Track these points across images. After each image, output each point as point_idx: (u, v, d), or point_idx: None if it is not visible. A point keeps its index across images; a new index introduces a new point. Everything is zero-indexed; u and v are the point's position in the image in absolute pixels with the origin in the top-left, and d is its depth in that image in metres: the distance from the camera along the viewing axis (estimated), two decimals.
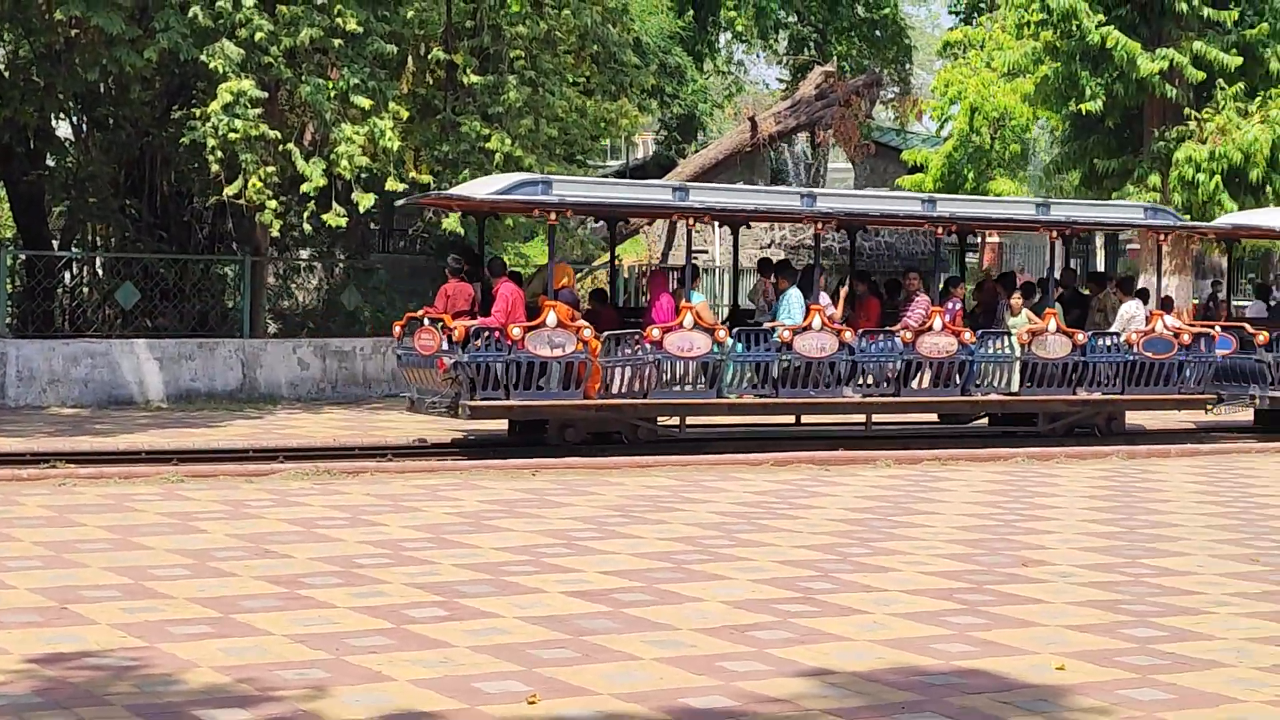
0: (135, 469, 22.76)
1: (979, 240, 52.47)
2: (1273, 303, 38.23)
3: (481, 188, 27.91)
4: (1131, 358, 31.35)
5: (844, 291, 31.87)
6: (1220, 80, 42.59)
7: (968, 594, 15.48)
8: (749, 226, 41.59)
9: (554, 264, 28.18)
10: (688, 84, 58.41)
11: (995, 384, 30.66)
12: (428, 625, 13.32)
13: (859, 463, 27.05)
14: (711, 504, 21.42)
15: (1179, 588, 16.17)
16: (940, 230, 33.29)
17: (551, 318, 25.92)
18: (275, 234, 31.12)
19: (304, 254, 33.85)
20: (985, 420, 33.82)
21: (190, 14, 28.37)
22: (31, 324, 31.54)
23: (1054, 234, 34.28)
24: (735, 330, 28.48)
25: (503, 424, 28.19)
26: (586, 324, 26.66)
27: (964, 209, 33.86)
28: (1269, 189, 42.08)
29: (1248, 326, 33.89)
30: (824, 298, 30.34)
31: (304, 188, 29.02)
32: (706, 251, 46.15)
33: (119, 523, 18.29)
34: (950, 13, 63.57)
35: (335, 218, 29.64)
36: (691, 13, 58.10)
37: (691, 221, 29.63)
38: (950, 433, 32.82)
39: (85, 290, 32.73)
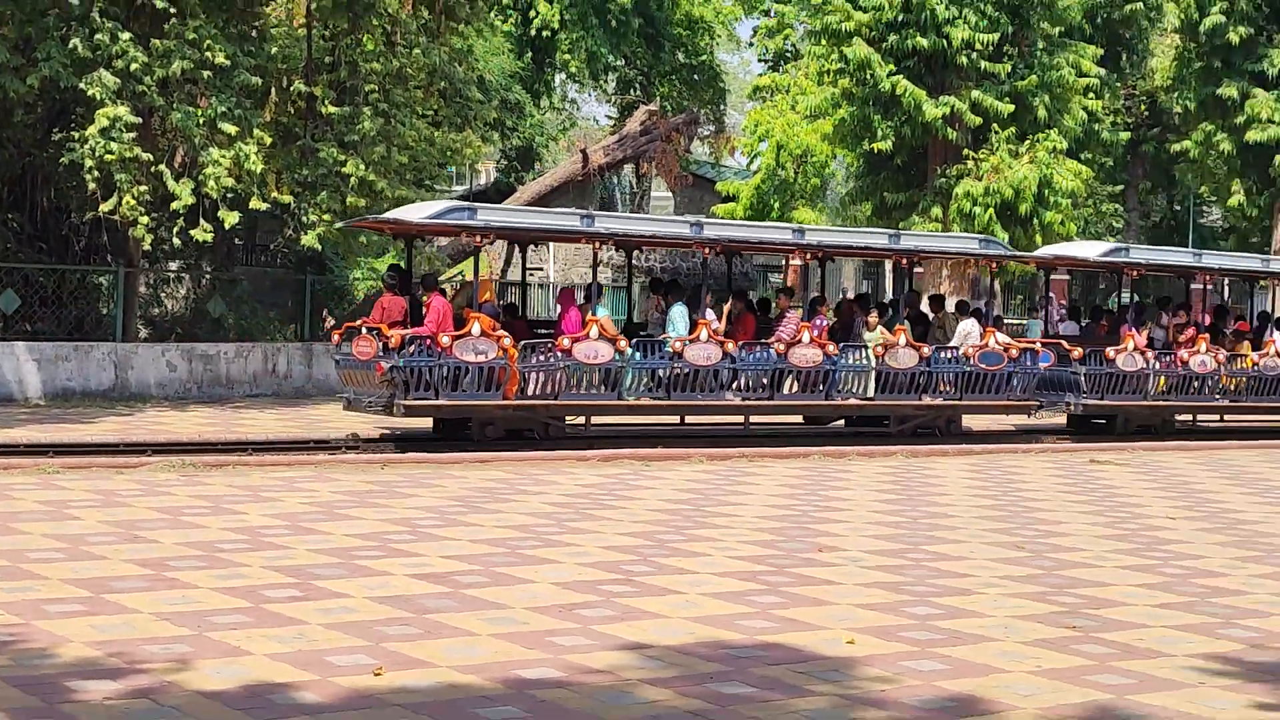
0: (13, 461, 22.53)
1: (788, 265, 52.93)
2: (1084, 322, 39.33)
3: (415, 212, 28.57)
4: (968, 369, 32.64)
5: (726, 308, 32.13)
6: (995, 125, 43.16)
7: (769, 576, 15.70)
8: (641, 250, 41.79)
9: (478, 281, 30.18)
10: (526, 118, 58.52)
11: (854, 390, 31.77)
12: (283, 605, 13.29)
13: (676, 459, 27.25)
14: (544, 495, 21.50)
15: (954, 571, 16.54)
16: (809, 256, 34.87)
17: (476, 328, 26.48)
18: (147, 247, 30.79)
19: (173, 265, 33.57)
20: (842, 422, 34.66)
21: (70, 45, 28.17)
22: None
23: (904, 261, 37.39)
24: (634, 340, 29.35)
25: (427, 422, 28.53)
26: (506, 334, 27.23)
27: (829, 238, 35.47)
28: (1035, 221, 42.70)
29: (1064, 343, 35.09)
30: (709, 313, 30.83)
31: (174, 205, 28.82)
32: (542, 269, 46.08)
33: None
34: (760, 60, 63.95)
35: (202, 233, 29.45)
36: (530, 55, 58.18)
37: (598, 245, 30.26)
38: (813, 432, 33.68)
39: None
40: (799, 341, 30.55)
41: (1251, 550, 18.97)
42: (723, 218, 50.87)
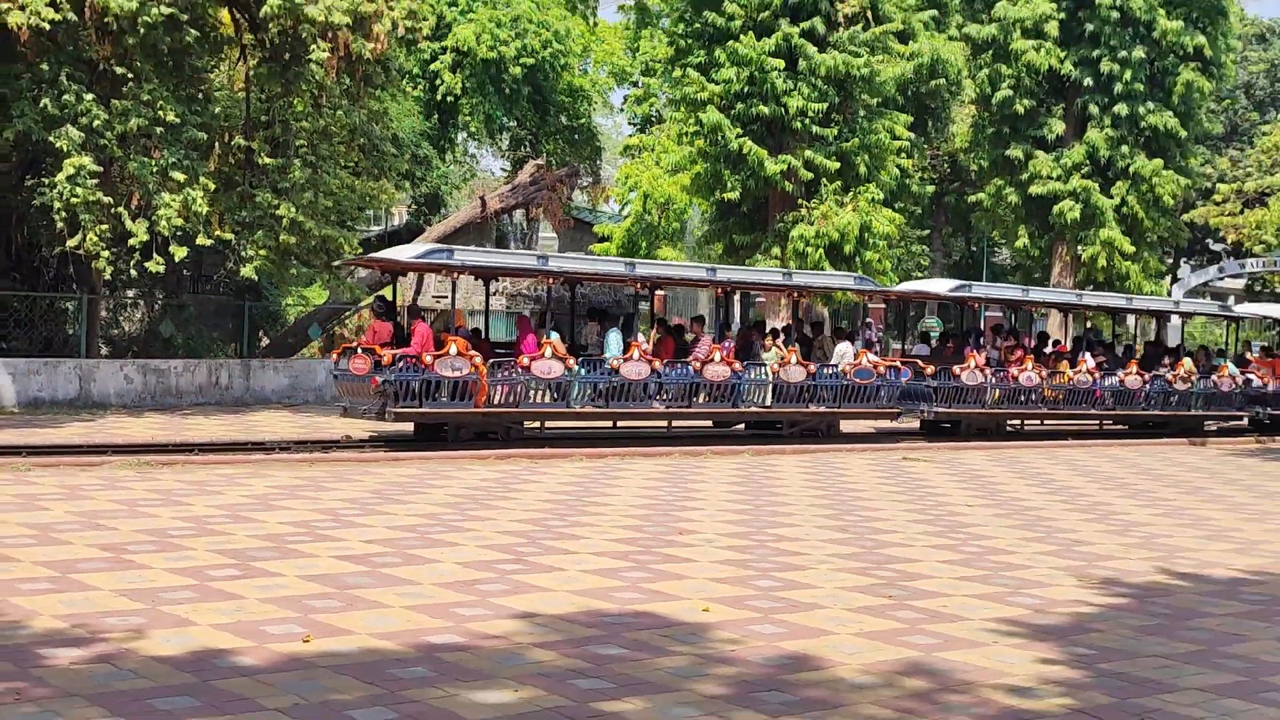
0: None
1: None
2: (933, 344, 39.82)
3: (404, 253, 29.80)
4: (846, 382, 33.71)
5: (654, 334, 33.66)
6: (824, 179, 43.30)
7: (637, 555, 15.77)
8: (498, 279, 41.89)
9: (454, 310, 30.86)
10: (433, 170, 58.31)
11: (755, 400, 32.77)
12: (224, 582, 13.22)
13: (561, 457, 27.25)
14: (448, 488, 21.40)
15: (791, 550, 16.63)
16: (719, 290, 35.83)
17: (454, 349, 27.23)
18: (107, 277, 30.47)
19: (130, 293, 33.24)
20: (743, 425, 34.99)
21: (41, 104, 27.92)
22: None
23: (793, 295, 38.19)
24: (579, 359, 30.11)
25: (408, 426, 28.79)
26: (477, 353, 27.89)
27: (737, 275, 36.93)
28: (858, 259, 42.98)
29: (919, 362, 36.08)
30: (640, 337, 32.39)
31: (131, 241, 28.52)
32: (447, 296, 45.79)
33: None
34: (629, 123, 64.05)
35: (155, 265, 29.14)
36: (436, 116, 57.95)
37: (550, 281, 31.94)
38: (719, 434, 34.09)
39: None
40: (711, 360, 31.53)
41: (1034, 532, 19.33)
42: (602, 255, 51.24)
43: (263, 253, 30.68)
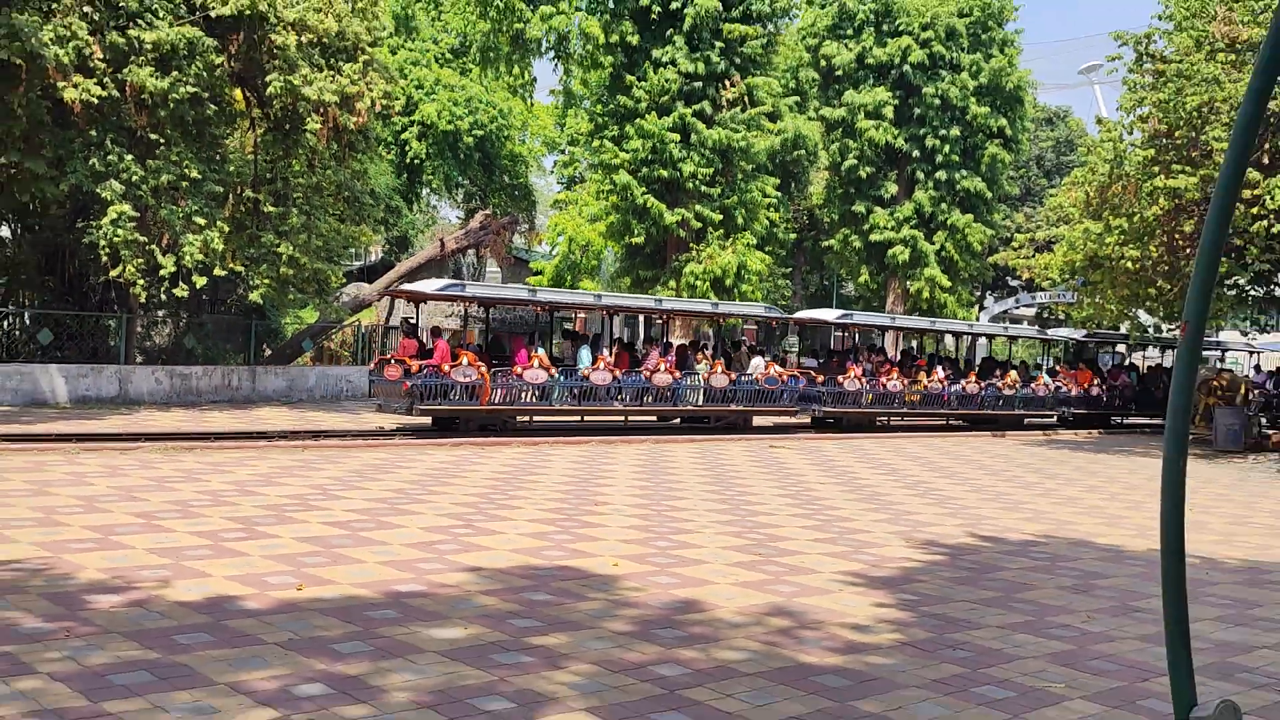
0: (48, 445, 22.05)
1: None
2: (820, 359, 40.45)
3: (428, 286, 30.79)
4: (758, 388, 34.74)
5: (614, 349, 34.29)
6: (710, 228, 43.38)
7: (562, 522, 15.79)
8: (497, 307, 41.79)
9: (466, 330, 33.95)
10: (402, 217, 58.21)
11: (690, 401, 33.71)
12: (234, 543, 13.20)
13: (501, 445, 27.03)
14: (412, 469, 21.31)
15: (682, 518, 16.61)
16: (666, 317, 39.20)
17: (465, 360, 28.55)
18: (142, 300, 30.18)
19: (160, 313, 32.91)
20: (678, 420, 35.80)
21: (90, 163, 27.62)
22: None
23: (721, 321, 41.17)
24: (559, 369, 31.27)
25: (427, 420, 29.40)
26: (482, 363, 29.08)
27: (677, 306, 37.46)
28: (736, 292, 43.12)
29: (812, 372, 37.21)
30: (605, 352, 33.40)
31: (161, 272, 28.23)
32: (413, 318, 45.50)
33: (35, 478, 17.73)
34: (558, 182, 63.96)
35: (181, 291, 28.93)
36: (405, 175, 57.77)
37: (539, 309, 34.97)
38: (663, 428, 34.64)
39: (18, 333, 31.48)
40: (657, 370, 32.53)
41: (871, 504, 19.41)
42: (537, 286, 51.26)
43: (266, 282, 30.49)
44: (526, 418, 31.11)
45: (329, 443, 25.17)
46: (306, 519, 15.00)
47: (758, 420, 36.65)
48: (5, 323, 31.85)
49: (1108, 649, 10.43)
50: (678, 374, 33.08)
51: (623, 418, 33.28)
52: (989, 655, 9.95)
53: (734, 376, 34.47)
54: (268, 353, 35.59)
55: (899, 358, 42.92)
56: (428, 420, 29.30)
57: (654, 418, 34.56)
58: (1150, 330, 44.32)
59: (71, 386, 29.41)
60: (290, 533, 13.92)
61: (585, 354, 32.52)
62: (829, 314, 41.30)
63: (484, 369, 28.83)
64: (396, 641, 9.44)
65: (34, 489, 16.44)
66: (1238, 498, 23.33)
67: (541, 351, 31.47)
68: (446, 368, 28.06)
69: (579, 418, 32.16)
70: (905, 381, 39.13)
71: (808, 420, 37.76)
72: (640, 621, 10.46)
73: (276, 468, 20.57)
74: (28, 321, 31.87)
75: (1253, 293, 37.05)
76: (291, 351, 37.87)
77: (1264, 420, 38.79)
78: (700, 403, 33.79)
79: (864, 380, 37.65)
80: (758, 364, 36.15)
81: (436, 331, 30.02)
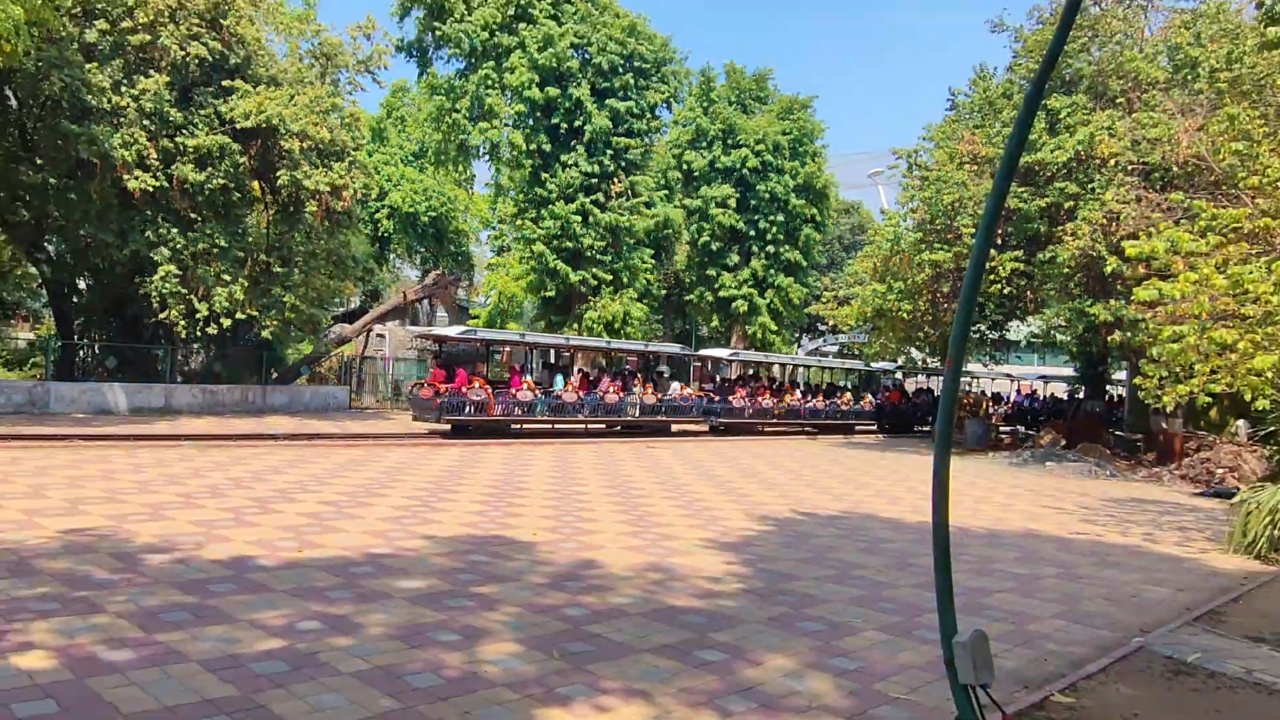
0: (111, 442, 21.60)
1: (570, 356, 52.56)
2: (715, 384, 40.73)
3: (450, 330, 31.87)
4: (676, 404, 35.26)
5: (578, 376, 34.70)
6: (603, 285, 43.19)
7: (494, 503, 15.57)
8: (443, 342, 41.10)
9: (478, 364, 34.84)
10: (375, 275, 57.92)
11: (629, 414, 33.61)
12: (252, 516, 13.06)
13: (450, 445, 26.56)
14: (383, 463, 21.01)
15: (584, 500, 16.44)
16: (605, 355, 40.29)
17: (477, 384, 29.33)
18: (182, 335, 29.63)
19: (195, 345, 32.37)
20: (620, 427, 34.89)
21: (145, 234, 27.29)
22: (63, 374, 29.73)
23: (650, 356, 41.15)
24: (542, 391, 31.58)
25: (447, 425, 28.89)
26: (489, 387, 29.83)
27: (626, 346, 37.44)
28: (623, 333, 43.06)
29: (711, 394, 37.70)
30: (574, 378, 34.30)
31: (197, 315, 27.77)
32: (383, 350, 45.17)
33: (103, 467, 17.35)
34: (491, 250, 63.31)
35: (211, 329, 28.48)
36: (377, 244, 57.36)
37: (527, 348, 37.61)
38: (609, 433, 34.05)
39: (90, 359, 30.91)
40: (608, 391, 32.99)
41: (720, 488, 19.38)
42: (481, 327, 51.08)
43: (274, 323, 30.10)
44: (519, 425, 30.98)
45: (320, 442, 24.81)
46: (305, 499, 14.82)
47: (675, 427, 36.45)
48: (81, 351, 31.26)
49: (891, 594, 10.62)
50: (621, 394, 33.41)
51: (584, 425, 33.11)
52: (807, 599, 10.10)
53: (660, 396, 34.79)
54: (275, 375, 35.08)
55: (768, 382, 43.44)
56: (446, 427, 28.97)
57: (604, 425, 34.13)
58: (919, 362, 44.91)
59: (129, 399, 28.85)
60: (293, 509, 13.78)
61: (559, 380, 33.26)
62: (723, 352, 42.01)
63: (489, 390, 29.55)
64: (372, 590, 9.47)
65: (102, 475, 16.18)
66: (981, 483, 23.72)
67: (530, 378, 33.16)
68: (464, 390, 28.78)
69: (551, 425, 32.01)
70: (775, 400, 39.53)
71: (707, 428, 37.58)
72: (552, 576, 10.50)
73: (282, 461, 20.27)
74: (97, 351, 31.28)
75: (990, 336, 37.82)
76: (292, 375, 37.42)
77: (1001, 426, 39.71)
78: (637, 415, 33.65)
79: (746, 399, 38.24)
80: (675, 387, 37.26)
81: (457, 363, 31.89)
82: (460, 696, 6.89)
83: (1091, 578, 12.21)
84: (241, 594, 9.05)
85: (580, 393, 32.47)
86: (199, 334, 29.48)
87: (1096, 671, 8.16)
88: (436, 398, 28.16)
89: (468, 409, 28.67)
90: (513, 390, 30.46)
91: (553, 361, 38.59)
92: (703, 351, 42.42)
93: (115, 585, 9.11)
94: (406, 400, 31.70)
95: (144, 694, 6.64)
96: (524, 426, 31.28)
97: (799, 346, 68.59)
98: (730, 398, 37.88)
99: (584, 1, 44.86)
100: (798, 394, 41.51)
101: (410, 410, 31.26)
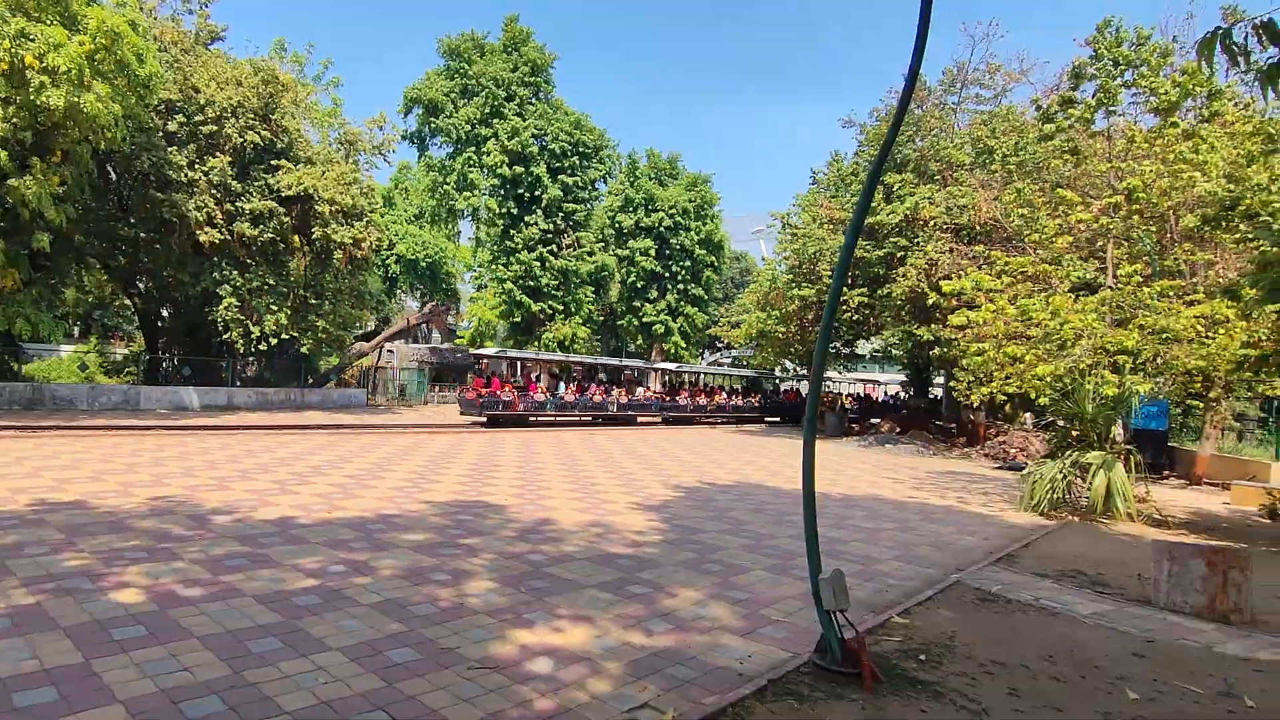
0: (186, 431, 21.06)
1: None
2: (666, 388, 39.88)
3: (487, 351, 31.16)
4: (641, 402, 34.24)
5: (575, 383, 33.72)
6: (557, 313, 43.12)
7: (477, 476, 15.34)
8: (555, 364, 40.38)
9: (503, 374, 34.16)
10: (385, 305, 57.05)
11: (609, 409, 32.58)
12: (294, 486, 12.82)
13: (451, 431, 25.89)
14: (388, 448, 20.61)
15: (543, 475, 16.12)
16: (583, 366, 36.43)
17: (506, 388, 29.37)
18: (240, 351, 28.97)
19: (250, 358, 31.61)
20: (601, 419, 34.04)
21: (213, 275, 26.77)
22: (150, 380, 28.94)
23: (624, 368, 38.43)
24: (551, 393, 31.02)
25: (483, 418, 28.28)
26: (515, 390, 29.92)
27: (599, 360, 36.83)
28: (572, 349, 42.87)
29: (665, 396, 36.57)
30: (572, 384, 33.59)
31: (253, 336, 27.26)
32: (394, 361, 44.43)
33: (179, 450, 16.93)
34: (474, 286, 62.70)
35: (263, 346, 27.92)
36: (387, 283, 56.55)
37: (540, 364, 35.95)
38: (594, 421, 32.77)
39: (170, 369, 30.15)
40: (595, 393, 32.27)
41: (645, 465, 19.02)
42: (464, 346, 50.39)
43: (310, 342, 29.58)
44: (535, 418, 30.14)
45: (345, 432, 24.32)
46: (332, 474, 14.58)
47: (640, 419, 35.11)
48: (164, 363, 30.52)
49: (773, 543, 10.57)
50: (604, 395, 32.89)
51: (578, 417, 32.15)
52: (710, 548, 10.07)
53: (629, 397, 34.12)
54: (310, 381, 34.43)
55: (702, 387, 42.18)
56: (483, 419, 28.35)
57: (591, 417, 32.84)
58: (791, 370, 44.77)
59: (200, 399, 28.12)
60: (324, 481, 13.55)
61: (562, 386, 33.13)
62: (670, 365, 40.53)
63: (516, 393, 29.58)
64: (384, 541, 9.40)
65: (179, 456, 15.82)
66: (835, 461, 23.48)
67: (543, 381, 33.97)
68: (498, 392, 28.75)
69: (554, 417, 31.15)
70: (707, 399, 38.43)
71: (660, 419, 36.00)
72: (518, 530, 10.43)
73: (315, 445, 19.89)
74: (176, 362, 30.53)
75: (844, 350, 37.79)
76: (324, 381, 36.80)
77: (853, 417, 39.46)
78: (615, 410, 32.69)
79: (688, 398, 37.28)
80: (640, 391, 36.95)
81: (495, 371, 32.41)
82: (451, 621, 6.88)
83: (920, 530, 12.20)
84: (285, 545, 8.94)
85: (575, 394, 32.03)
86: (253, 350, 28.90)
87: (924, 600, 8.21)
88: (479, 398, 28.00)
89: (500, 406, 28.32)
90: (530, 393, 30.27)
91: (556, 372, 37.80)
92: (659, 364, 41.38)
93: (189, 539, 8.96)
94: (448, 400, 30.94)
95: (211, 621, 6.57)
96: (538, 418, 30.62)
97: (702, 359, 68.62)
98: (676, 398, 36.99)
99: (541, 103, 44.93)
100: (723, 395, 40.23)
101: (457, 407, 31.26)
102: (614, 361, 37.34)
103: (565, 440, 24.86)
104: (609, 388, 34.72)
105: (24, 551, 8.17)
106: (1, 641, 5.99)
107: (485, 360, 33.03)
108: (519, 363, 38.01)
